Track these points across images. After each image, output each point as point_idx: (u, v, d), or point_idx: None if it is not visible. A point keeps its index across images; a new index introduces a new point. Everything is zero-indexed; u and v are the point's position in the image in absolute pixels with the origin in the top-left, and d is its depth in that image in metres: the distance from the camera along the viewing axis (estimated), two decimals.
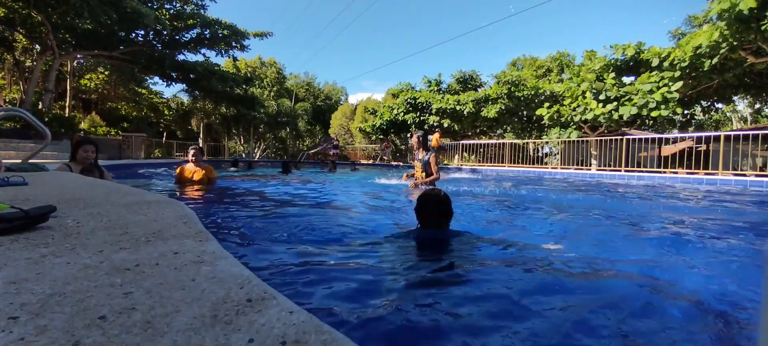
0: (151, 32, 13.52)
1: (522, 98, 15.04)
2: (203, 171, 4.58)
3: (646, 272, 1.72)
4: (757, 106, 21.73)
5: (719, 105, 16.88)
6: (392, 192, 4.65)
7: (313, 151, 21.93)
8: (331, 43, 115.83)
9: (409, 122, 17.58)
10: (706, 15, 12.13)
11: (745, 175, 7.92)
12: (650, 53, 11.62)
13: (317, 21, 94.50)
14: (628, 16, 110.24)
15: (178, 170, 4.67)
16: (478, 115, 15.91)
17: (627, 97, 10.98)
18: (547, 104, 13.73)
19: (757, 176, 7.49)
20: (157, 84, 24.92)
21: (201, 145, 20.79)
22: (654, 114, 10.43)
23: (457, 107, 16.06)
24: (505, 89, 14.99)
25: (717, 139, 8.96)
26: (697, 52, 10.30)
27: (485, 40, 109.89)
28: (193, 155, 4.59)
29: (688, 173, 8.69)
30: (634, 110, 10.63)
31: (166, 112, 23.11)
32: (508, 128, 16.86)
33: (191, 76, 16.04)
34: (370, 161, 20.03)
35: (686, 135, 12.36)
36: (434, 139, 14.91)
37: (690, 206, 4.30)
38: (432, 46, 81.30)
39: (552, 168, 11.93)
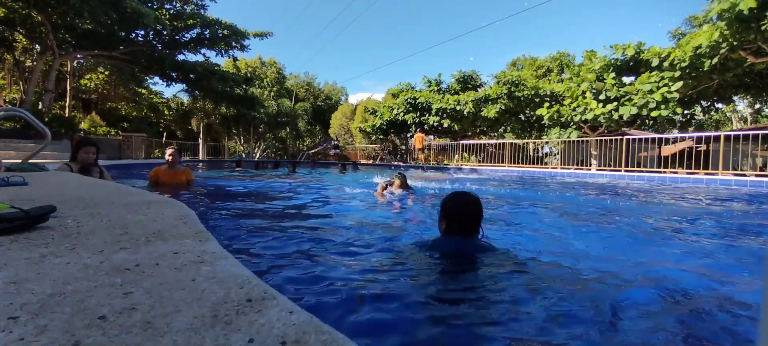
0: (151, 32, 13.51)
1: (522, 98, 15.04)
2: (182, 174, 4.37)
3: (662, 278, 1.72)
4: (757, 106, 21.73)
5: (719, 105, 16.88)
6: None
7: (313, 151, 21.90)
8: (331, 43, 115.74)
9: (409, 122, 17.58)
10: (706, 15, 12.11)
11: (745, 175, 7.92)
12: (650, 53, 11.61)
13: (317, 21, 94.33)
14: (628, 16, 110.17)
15: (152, 173, 4.30)
16: (478, 115, 15.91)
17: (627, 97, 10.98)
18: (547, 104, 13.73)
19: (757, 175, 7.49)
20: (157, 84, 24.89)
21: (201, 145, 20.80)
22: (654, 114, 10.43)
23: (457, 107, 16.07)
24: (505, 89, 15.00)
25: (717, 139, 8.96)
26: (697, 52, 10.30)
27: (485, 40, 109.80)
28: (170, 155, 4.35)
29: (688, 173, 8.69)
30: (634, 110, 10.62)
31: (166, 112, 23.11)
32: (508, 128, 16.86)
33: (191, 76, 16.04)
34: (370, 161, 20.06)
35: (686, 135, 12.36)
36: (417, 139, 14.87)
37: (691, 207, 4.30)
38: (432, 46, 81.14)
39: (552, 168, 11.92)
